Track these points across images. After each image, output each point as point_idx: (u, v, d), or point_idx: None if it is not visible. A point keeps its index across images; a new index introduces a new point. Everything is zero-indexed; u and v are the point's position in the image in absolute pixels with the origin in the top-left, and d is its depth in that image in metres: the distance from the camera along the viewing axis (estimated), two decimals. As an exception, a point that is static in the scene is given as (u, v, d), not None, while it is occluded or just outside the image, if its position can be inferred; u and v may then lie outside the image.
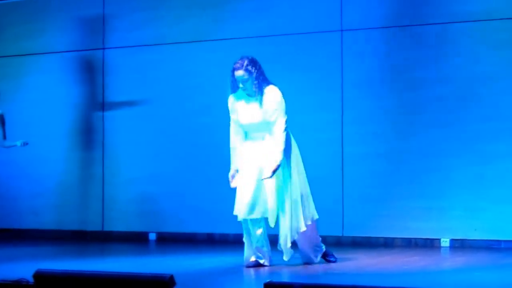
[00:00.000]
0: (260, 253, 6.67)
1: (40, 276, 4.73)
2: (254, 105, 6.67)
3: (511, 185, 7.96)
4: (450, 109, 8.23)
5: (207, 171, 9.09)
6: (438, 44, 8.29)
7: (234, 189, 8.98)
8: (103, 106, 9.63)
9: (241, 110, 6.75)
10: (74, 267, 5.79)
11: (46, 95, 9.85)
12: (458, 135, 8.19)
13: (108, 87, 9.63)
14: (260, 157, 6.64)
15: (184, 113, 9.24)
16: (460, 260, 7.21)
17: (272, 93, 6.62)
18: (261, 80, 6.63)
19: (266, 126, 6.65)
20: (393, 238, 8.39)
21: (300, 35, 8.71)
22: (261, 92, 6.63)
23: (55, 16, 9.88)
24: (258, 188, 6.60)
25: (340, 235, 8.52)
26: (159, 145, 9.36)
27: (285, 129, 6.57)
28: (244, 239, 6.73)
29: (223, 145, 8.92)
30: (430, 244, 8.22)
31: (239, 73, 6.64)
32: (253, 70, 6.61)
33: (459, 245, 8.11)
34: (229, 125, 8.94)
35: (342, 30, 8.62)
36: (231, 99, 6.82)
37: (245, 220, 6.67)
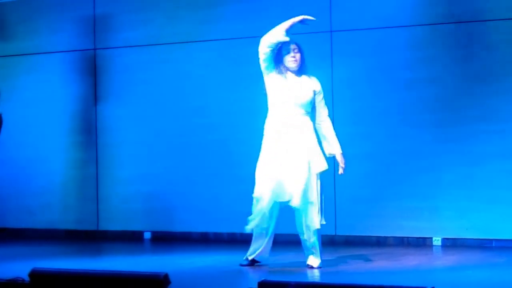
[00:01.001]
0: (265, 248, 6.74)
1: (36, 274, 4.77)
2: (301, 82, 6.69)
3: (501, 185, 8.00)
4: (441, 110, 8.26)
5: (201, 171, 9.12)
6: (428, 45, 8.32)
7: (229, 190, 9.05)
8: (96, 106, 9.66)
9: (288, 86, 6.66)
10: (69, 266, 5.83)
11: (38, 96, 9.86)
12: (449, 136, 8.23)
13: (100, 87, 9.65)
14: (305, 147, 6.61)
15: (177, 113, 9.26)
16: (452, 258, 7.26)
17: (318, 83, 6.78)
18: (305, 61, 6.74)
19: (308, 107, 6.69)
20: (386, 237, 8.44)
21: (290, 36, 8.74)
22: (308, 71, 6.75)
23: (47, 16, 9.87)
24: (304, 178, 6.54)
25: (333, 234, 8.56)
26: (153, 145, 9.39)
27: None
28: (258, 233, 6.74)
29: (217, 145, 9.01)
30: (422, 243, 8.27)
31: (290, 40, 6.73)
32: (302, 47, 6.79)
33: (450, 244, 8.17)
34: (222, 124, 9.01)
35: (331, 31, 8.65)
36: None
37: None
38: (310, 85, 6.73)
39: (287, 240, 7.51)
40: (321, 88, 6.77)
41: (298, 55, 6.72)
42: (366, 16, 8.50)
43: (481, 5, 8.15)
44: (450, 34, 8.24)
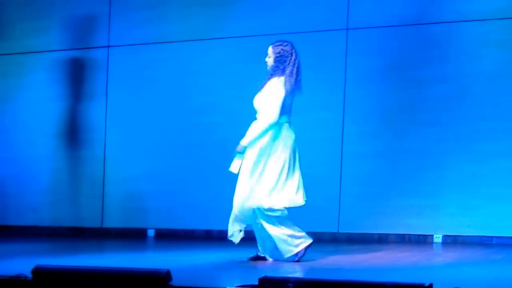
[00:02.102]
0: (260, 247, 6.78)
1: (39, 271, 4.81)
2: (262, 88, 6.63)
3: (503, 183, 8.04)
4: (448, 108, 8.29)
5: (205, 169, 9.16)
6: (442, 43, 8.33)
7: (232, 188, 9.08)
8: (106, 104, 9.70)
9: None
10: (73, 263, 5.86)
11: (49, 93, 9.92)
12: (453, 134, 8.26)
13: (111, 85, 9.70)
14: None
15: (185, 111, 9.30)
16: (452, 255, 7.29)
17: (272, 85, 6.53)
18: (275, 67, 6.53)
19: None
20: (387, 234, 8.47)
21: (305, 34, 8.70)
22: (277, 74, 6.53)
23: (59, 14, 9.93)
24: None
25: (336, 231, 8.60)
26: (159, 144, 9.43)
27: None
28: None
29: (222, 143, 9.02)
30: (423, 240, 8.30)
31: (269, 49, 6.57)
32: (278, 52, 6.50)
33: (451, 241, 8.20)
34: (228, 123, 9.00)
35: (347, 29, 8.65)
36: None
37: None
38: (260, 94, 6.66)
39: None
40: (270, 89, 6.56)
41: (268, 59, 6.63)
42: (383, 14, 8.48)
43: (493, 5, 8.15)
44: (463, 32, 8.24)
